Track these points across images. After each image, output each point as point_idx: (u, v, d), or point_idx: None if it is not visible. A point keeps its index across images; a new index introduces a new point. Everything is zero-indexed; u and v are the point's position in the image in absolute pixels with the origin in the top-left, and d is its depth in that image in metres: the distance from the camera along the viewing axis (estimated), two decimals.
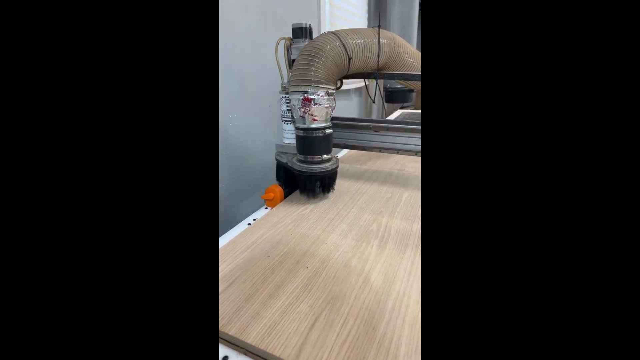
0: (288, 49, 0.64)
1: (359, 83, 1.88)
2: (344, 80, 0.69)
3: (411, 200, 0.65)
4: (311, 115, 0.58)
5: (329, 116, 0.60)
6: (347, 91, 1.84)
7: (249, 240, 0.51)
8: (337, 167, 0.64)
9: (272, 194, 0.64)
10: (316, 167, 0.61)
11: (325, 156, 0.62)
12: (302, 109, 0.57)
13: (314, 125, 0.59)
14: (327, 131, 0.60)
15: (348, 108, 1.92)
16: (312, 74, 0.56)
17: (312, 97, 0.56)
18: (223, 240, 0.52)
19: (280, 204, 0.64)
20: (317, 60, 0.56)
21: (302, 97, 0.57)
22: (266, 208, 0.64)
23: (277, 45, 0.62)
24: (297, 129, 0.61)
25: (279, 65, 0.64)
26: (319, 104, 0.57)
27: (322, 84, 0.57)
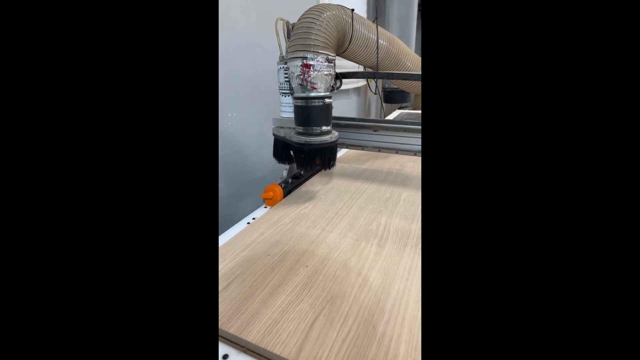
0: (287, 26, 0.63)
1: (357, 83, 1.88)
2: (343, 80, 0.69)
3: (410, 200, 0.65)
4: (310, 83, 0.55)
5: (329, 85, 0.58)
6: (346, 91, 1.85)
7: (248, 239, 0.51)
8: (337, 140, 0.61)
9: (271, 193, 0.64)
10: (315, 140, 0.58)
11: (325, 128, 0.59)
12: (301, 76, 0.55)
13: (313, 94, 0.56)
14: (327, 101, 0.58)
15: (347, 108, 1.92)
16: (312, 37, 0.54)
17: (312, 62, 0.54)
18: (222, 239, 0.52)
19: (280, 203, 0.64)
20: (317, 24, 0.54)
21: (300, 64, 0.54)
22: (265, 207, 0.64)
23: (276, 22, 0.61)
24: (295, 98, 0.58)
25: (278, 40, 0.63)
26: (319, 71, 0.55)
27: (322, 49, 0.55)
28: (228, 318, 0.34)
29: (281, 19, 0.61)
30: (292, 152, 0.65)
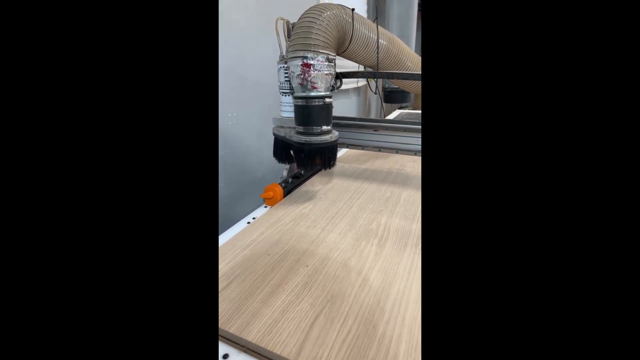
0: (287, 25, 0.62)
1: (357, 83, 1.88)
2: (343, 80, 0.69)
3: (410, 200, 0.65)
4: (310, 82, 0.55)
5: (329, 84, 0.58)
6: (346, 90, 1.85)
7: (248, 238, 0.51)
8: (337, 139, 0.61)
9: (271, 193, 0.64)
10: (315, 139, 0.58)
11: (325, 127, 0.59)
12: (301, 76, 0.55)
13: (313, 94, 0.56)
14: (327, 100, 0.58)
15: (347, 107, 1.92)
16: (313, 37, 0.54)
17: (312, 62, 0.54)
18: (222, 239, 0.52)
19: (280, 202, 0.64)
20: (318, 23, 0.55)
21: (301, 63, 0.55)
22: (265, 207, 0.64)
23: (276, 22, 0.61)
24: (295, 98, 0.58)
25: (278, 40, 0.63)
26: (319, 70, 0.55)
27: (322, 48, 0.55)
28: (228, 318, 0.34)
29: (281, 19, 0.61)
30: (292, 152, 0.65)
